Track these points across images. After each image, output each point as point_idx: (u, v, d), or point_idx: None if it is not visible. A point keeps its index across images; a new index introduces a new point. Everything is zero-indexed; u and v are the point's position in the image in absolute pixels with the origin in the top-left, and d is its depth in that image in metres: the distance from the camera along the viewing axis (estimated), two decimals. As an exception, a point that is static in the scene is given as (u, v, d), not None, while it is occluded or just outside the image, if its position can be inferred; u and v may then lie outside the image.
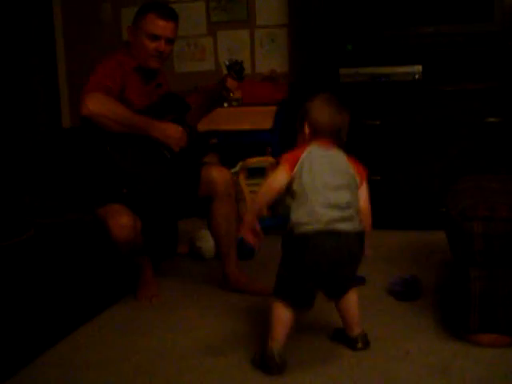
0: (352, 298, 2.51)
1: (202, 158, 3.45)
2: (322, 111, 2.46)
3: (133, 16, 3.24)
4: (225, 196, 3.24)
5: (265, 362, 2.36)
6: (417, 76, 4.26)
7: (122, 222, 2.97)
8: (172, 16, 3.19)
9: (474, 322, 2.48)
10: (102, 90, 2.96)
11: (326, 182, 2.35)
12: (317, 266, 2.32)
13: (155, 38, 3.14)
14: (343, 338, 2.58)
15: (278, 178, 2.38)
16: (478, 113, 4.12)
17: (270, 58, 5.17)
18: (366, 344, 2.53)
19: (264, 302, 3.08)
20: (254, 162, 4.17)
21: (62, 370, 2.49)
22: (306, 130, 2.47)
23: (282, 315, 2.36)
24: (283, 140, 4.54)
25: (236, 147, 4.57)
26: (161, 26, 3.14)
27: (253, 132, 4.51)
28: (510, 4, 4.30)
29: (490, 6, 4.20)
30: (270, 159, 4.23)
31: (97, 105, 2.93)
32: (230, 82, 3.26)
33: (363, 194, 2.52)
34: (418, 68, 4.26)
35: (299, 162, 2.37)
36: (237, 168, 4.13)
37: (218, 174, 3.25)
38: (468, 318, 2.49)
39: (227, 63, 3.28)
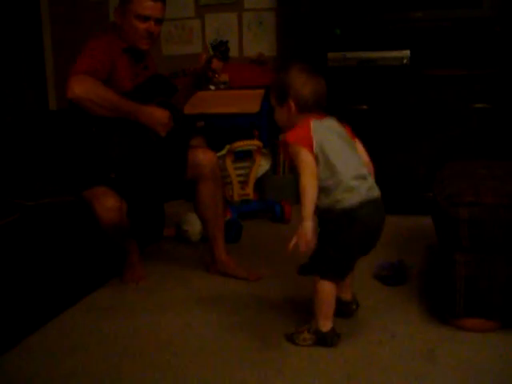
0: None
1: (189, 141, 3.43)
2: (305, 84, 2.44)
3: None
4: (211, 179, 3.23)
5: (324, 338, 2.42)
6: (405, 61, 4.25)
7: (108, 204, 2.96)
8: None
9: (460, 306, 2.50)
10: (89, 72, 2.93)
11: (347, 155, 2.43)
12: (367, 233, 2.43)
13: (145, 18, 3.11)
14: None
15: (311, 161, 2.34)
16: (466, 98, 4.13)
17: (257, 41, 5.16)
18: (358, 305, 2.69)
19: (250, 286, 3.09)
20: (241, 145, 4.16)
21: (48, 353, 2.48)
22: (292, 105, 2.44)
23: (331, 295, 2.43)
24: (270, 123, 4.54)
25: (223, 130, 4.56)
26: (149, 6, 3.10)
27: (240, 115, 4.51)
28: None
29: (479, -9, 4.20)
30: (257, 142, 4.22)
31: (83, 88, 2.89)
32: (216, 63, 3.24)
33: (360, 147, 2.60)
34: (406, 53, 4.25)
35: (315, 141, 2.37)
36: (224, 151, 4.11)
37: (203, 157, 3.24)
38: (453, 302, 2.50)
39: (213, 43, 3.26)
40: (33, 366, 2.37)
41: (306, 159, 2.33)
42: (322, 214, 2.41)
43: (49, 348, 2.52)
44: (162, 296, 3.02)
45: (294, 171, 2.49)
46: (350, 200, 2.35)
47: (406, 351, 2.37)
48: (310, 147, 2.35)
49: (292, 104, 2.44)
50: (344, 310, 2.64)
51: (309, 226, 2.26)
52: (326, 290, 2.42)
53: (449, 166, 3.09)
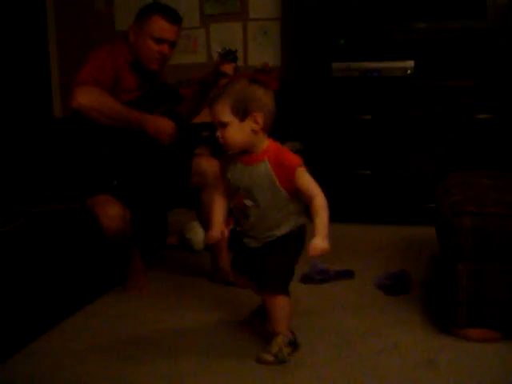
0: None
1: (194, 150, 3.44)
2: (270, 98, 2.35)
3: (125, 6, 3.22)
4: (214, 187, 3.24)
5: (295, 341, 2.41)
6: (408, 71, 4.26)
7: (111, 212, 2.97)
8: (177, 19, 3.19)
9: (462, 316, 2.49)
10: (93, 82, 2.94)
11: None
12: None
13: (160, 41, 3.13)
14: None
15: None
16: (469, 109, 4.13)
17: (262, 51, 5.16)
18: None
19: (253, 295, 3.08)
20: (245, 154, 4.16)
21: (50, 359, 2.48)
22: (260, 119, 2.28)
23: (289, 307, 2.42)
24: (273, 132, 4.54)
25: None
26: (167, 29, 3.14)
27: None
28: (503, 1, 4.31)
29: (483, 2, 4.21)
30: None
31: (87, 98, 2.91)
32: (226, 66, 3.21)
33: None
34: (410, 63, 4.26)
35: None
36: (228, 160, 4.12)
37: (207, 165, 3.24)
38: (456, 312, 2.50)
39: (220, 52, 3.22)
40: (35, 371, 2.38)
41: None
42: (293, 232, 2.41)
43: (51, 353, 2.53)
44: (165, 304, 3.02)
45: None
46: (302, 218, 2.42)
47: (408, 360, 2.37)
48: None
49: (259, 118, 2.28)
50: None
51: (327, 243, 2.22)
52: (286, 305, 2.40)
53: (452, 177, 3.09)
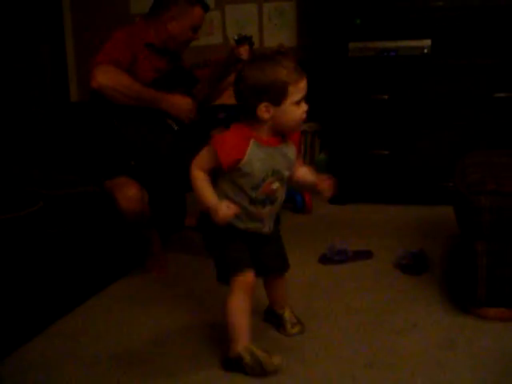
0: None
1: (210, 132, 3.44)
2: None
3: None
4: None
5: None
6: (426, 50, 4.23)
7: (129, 194, 2.98)
8: (208, 8, 3.32)
9: (481, 295, 2.49)
10: (112, 62, 2.97)
11: None
12: None
13: (196, 30, 3.23)
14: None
15: None
16: (487, 88, 4.10)
17: (278, 32, 5.15)
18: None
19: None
20: (262, 135, 4.15)
21: (71, 340, 2.52)
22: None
23: None
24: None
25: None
26: (202, 17, 3.26)
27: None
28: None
29: (502, -22, 4.16)
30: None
31: (106, 77, 2.94)
32: (241, 51, 3.24)
33: None
34: (427, 42, 4.23)
35: None
36: (245, 142, 4.12)
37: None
38: (475, 291, 2.50)
39: (236, 38, 3.26)
40: (57, 351, 2.43)
41: None
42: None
43: (72, 335, 2.57)
44: (183, 286, 3.03)
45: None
46: None
47: (427, 340, 2.38)
48: None
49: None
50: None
51: None
52: None
53: (470, 156, 3.07)
